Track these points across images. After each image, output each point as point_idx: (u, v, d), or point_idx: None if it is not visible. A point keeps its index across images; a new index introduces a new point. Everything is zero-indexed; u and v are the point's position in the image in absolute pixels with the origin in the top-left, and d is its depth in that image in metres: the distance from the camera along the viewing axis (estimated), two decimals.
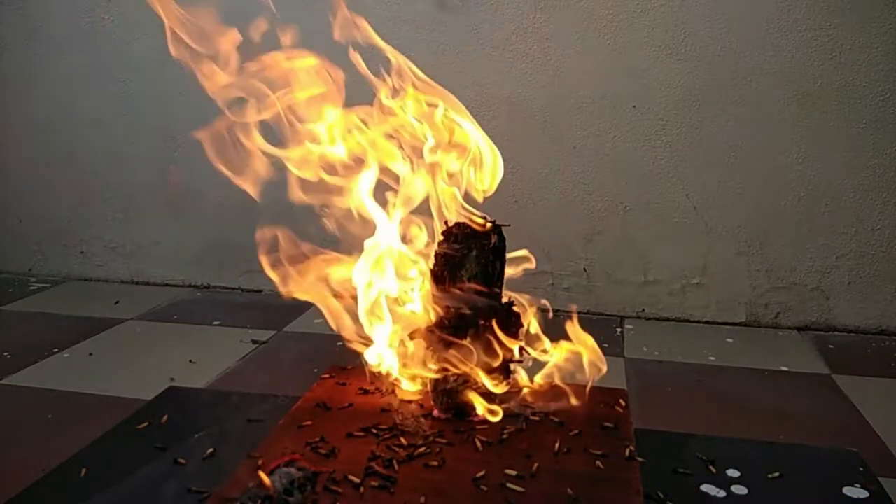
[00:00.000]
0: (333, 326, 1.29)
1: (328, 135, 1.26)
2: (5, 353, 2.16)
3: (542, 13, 2.40)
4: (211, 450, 1.30)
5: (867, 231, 2.32)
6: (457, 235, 1.16)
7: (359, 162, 1.27)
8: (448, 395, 1.17)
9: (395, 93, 1.27)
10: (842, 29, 2.22)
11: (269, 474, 0.88)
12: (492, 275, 1.15)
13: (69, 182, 2.91)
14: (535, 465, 1.03)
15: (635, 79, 2.37)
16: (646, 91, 2.37)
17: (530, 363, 1.24)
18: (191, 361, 2.10)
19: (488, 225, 1.16)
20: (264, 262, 1.29)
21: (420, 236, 1.28)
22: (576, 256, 2.54)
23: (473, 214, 1.18)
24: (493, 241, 1.15)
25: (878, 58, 2.21)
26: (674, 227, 2.45)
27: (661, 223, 2.45)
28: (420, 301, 1.23)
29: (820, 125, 2.29)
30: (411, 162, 1.26)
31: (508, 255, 1.20)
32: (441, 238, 1.18)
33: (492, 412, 1.15)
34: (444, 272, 1.15)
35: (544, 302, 1.26)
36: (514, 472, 1.01)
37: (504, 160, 1.20)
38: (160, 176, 2.80)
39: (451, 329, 1.15)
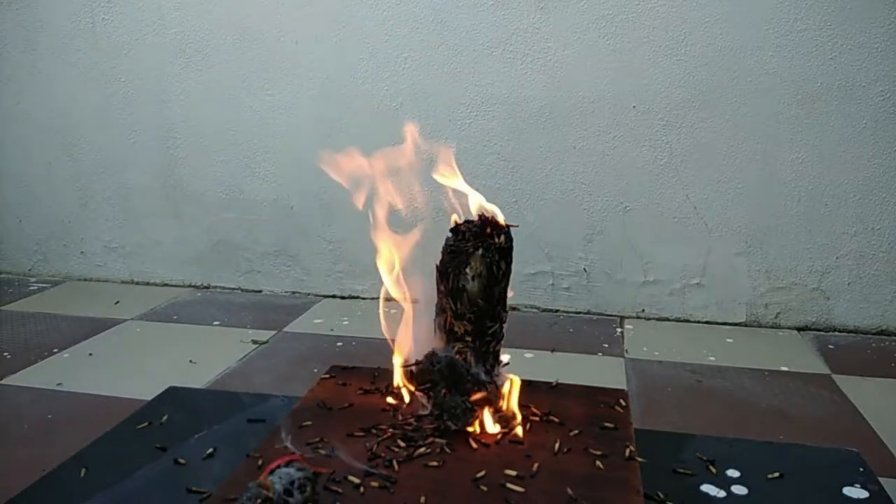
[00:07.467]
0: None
1: None
2: (5, 353, 2.16)
3: (542, 13, 2.40)
4: (211, 450, 1.30)
5: (867, 231, 2.32)
6: (465, 232, 1.16)
7: None
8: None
9: None
10: (842, 29, 2.22)
11: (269, 474, 0.88)
12: (496, 275, 1.15)
13: (69, 182, 2.92)
14: (535, 465, 1.03)
15: (635, 79, 2.37)
16: (646, 91, 2.37)
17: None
18: (191, 361, 2.11)
19: (501, 222, 1.16)
20: None
21: None
22: (576, 256, 2.54)
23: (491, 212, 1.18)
24: (500, 240, 1.15)
25: (877, 58, 2.21)
26: (674, 227, 2.45)
27: (661, 223, 2.45)
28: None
29: (820, 125, 2.29)
30: None
31: None
32: (450, 233, 1.18)
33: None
34: (449, 269, 1.15)
35: None
36: (514, 472, 1.01)
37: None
38: (160, 176, 2.80)
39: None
